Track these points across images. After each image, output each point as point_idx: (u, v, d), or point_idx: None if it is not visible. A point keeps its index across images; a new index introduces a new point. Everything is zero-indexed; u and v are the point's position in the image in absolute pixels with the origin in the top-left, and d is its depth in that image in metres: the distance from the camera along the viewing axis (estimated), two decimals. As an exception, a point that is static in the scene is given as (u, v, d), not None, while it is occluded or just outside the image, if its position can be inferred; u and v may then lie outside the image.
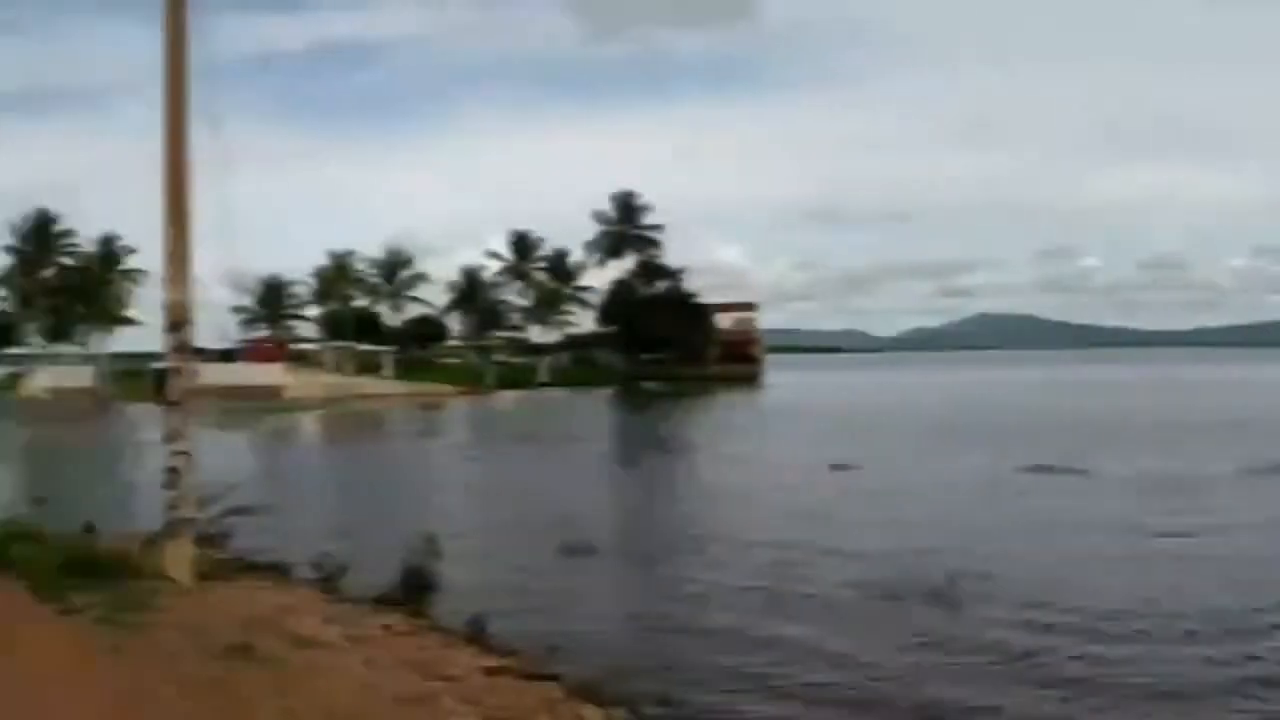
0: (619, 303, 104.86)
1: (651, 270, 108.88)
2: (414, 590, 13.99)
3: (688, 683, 10.44)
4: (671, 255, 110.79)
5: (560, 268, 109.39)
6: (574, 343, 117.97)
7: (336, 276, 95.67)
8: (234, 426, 50.25)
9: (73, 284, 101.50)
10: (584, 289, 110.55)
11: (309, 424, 57.05)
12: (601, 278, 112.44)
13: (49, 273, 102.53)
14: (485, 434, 48.02)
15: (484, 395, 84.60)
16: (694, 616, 13.23)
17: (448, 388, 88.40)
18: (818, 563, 16.23)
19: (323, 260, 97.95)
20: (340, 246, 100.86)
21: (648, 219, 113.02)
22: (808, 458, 31.36)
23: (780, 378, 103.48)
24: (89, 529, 16.71)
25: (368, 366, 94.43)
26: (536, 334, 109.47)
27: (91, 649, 8.59)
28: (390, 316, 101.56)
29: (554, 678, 9.80)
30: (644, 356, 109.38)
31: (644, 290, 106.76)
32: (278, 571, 14.69)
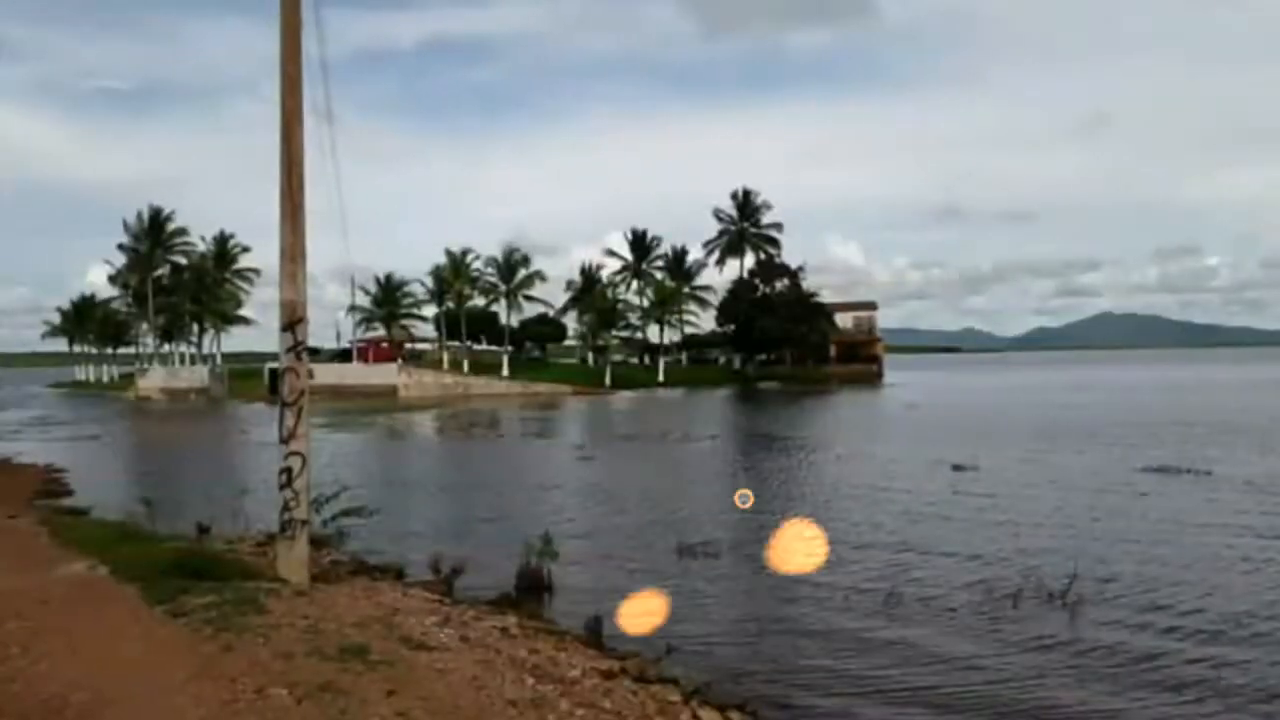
0: (738, 302, 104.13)
1: (770, 269, 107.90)
2: (529, 591, 13.90)
3: (806, 686, 10.49)
4: (790, 253, 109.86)
5: (678, 267, 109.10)
6: (692, 342, 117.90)
7: (453, 275, 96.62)
8: (349, 426, 51.17)
9: (186, 283, 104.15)
10: (702, 288, 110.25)
11: (424, 424, 57.76)
12: (720, 277, 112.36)
13: (162, 272, 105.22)
14: (602, 433, 47.95)
15: (601, 395, 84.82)
16: (812, 618, 13.14)
17: (564, 387, 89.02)
18: (937, 564, 16.21)
19: (438, 258, 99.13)
20: (454, 244, 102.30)
21: (767, 217, 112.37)
22: (928, 457, 31.00)
23: (900, 377, 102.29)
24: (202, 529, 16.91)
25: (484, 366, 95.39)
26: (654, 333, 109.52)
27: (203, 651, 8.52)
28: (507, 315, 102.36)
29: (672, 680, 9.75)
30: (762, 356, 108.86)
31: (763, 289, 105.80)
32: (392, 572, 14.70)
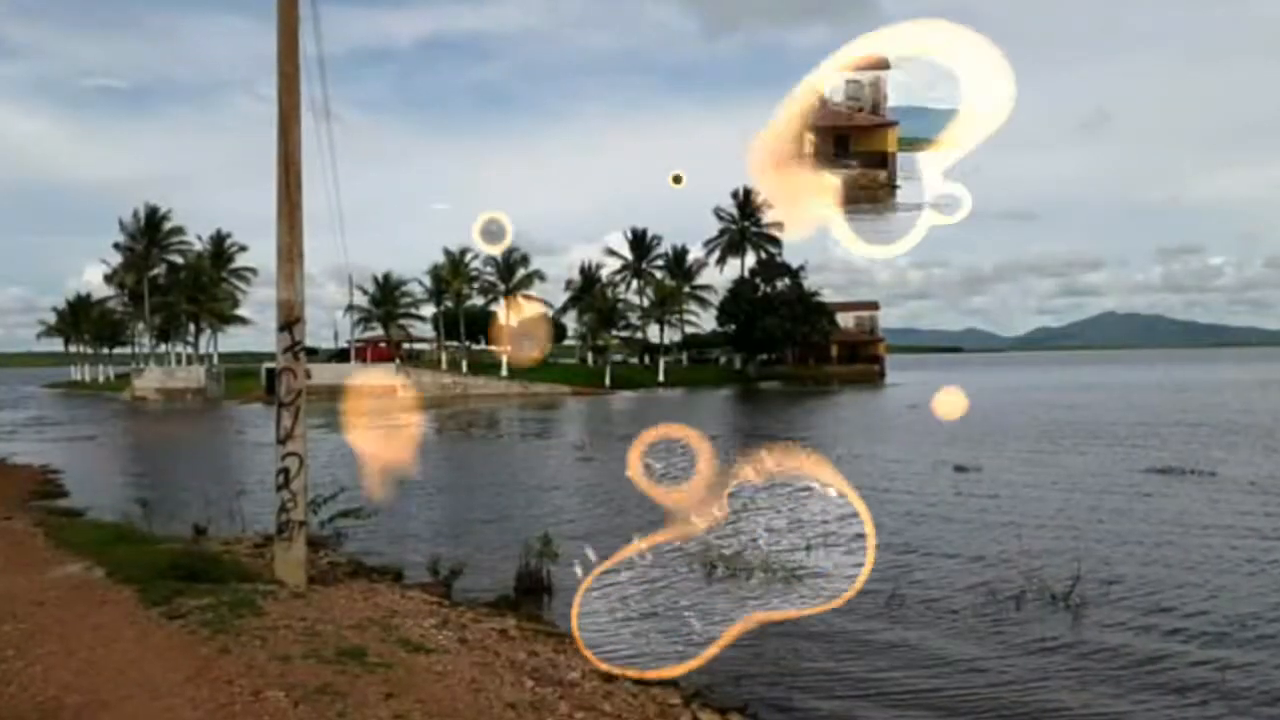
0: (738, 301, 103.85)
1: (771, 268, 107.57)
2: (529, 593, 13.81)
3: (807, 688, 10.46)
4: (791, 253, 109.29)
5: (679, 266, 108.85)
6: (692, 342, 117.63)
7: (452, 275, 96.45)
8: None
9: (182, 282, 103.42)
10: (703, 288, 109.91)
11: (422, 424, 57.58)
12: (721, 276, 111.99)
13: (158, 271, 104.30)
14: (601, 434, 47.81)
15: (601, 395, 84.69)
16: (813, 620, 12.99)
17: (564, 387, 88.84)
18: (939, 565, 16.17)
19: (437, 257, 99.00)
20: (453, 244, 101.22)
21: (768, 216, 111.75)
22: (930, 458, 30.94)
23: (902, 377, 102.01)
24: (199, 531, 16.83)
25: (483, 366, 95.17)
26: (654, 333, 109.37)
27: (199, 653, 8.45)
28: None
29: (672, 683, 9.72)
30: (763, 356, 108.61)
31: (764, 288, 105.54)
32: (390, 574, 14.62)
